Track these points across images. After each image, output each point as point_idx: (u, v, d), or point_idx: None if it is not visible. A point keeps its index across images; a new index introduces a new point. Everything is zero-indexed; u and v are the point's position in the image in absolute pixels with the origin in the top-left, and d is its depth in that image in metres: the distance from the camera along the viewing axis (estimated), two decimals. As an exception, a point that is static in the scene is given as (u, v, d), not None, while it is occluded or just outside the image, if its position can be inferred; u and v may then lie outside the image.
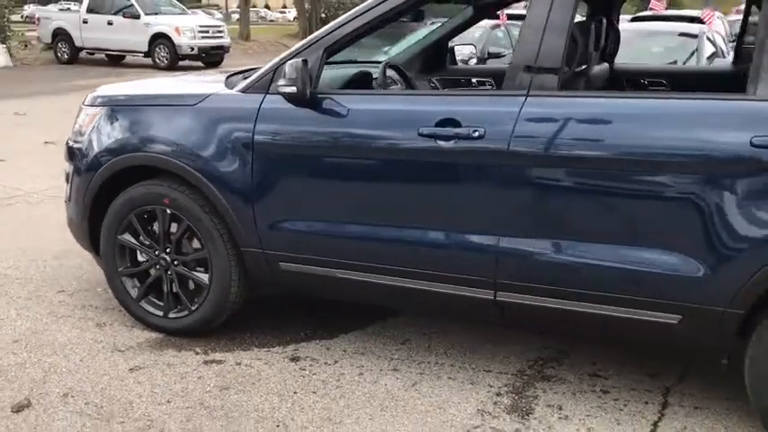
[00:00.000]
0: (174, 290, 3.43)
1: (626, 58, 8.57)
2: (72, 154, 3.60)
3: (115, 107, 3.47)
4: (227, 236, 3.23)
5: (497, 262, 2.77)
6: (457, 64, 4.52)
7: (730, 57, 7.91)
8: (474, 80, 4.20)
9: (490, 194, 2.74)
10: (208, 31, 18.68)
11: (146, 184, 3.35)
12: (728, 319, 2.52)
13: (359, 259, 3.01)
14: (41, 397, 2.93)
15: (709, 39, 9.12)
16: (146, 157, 3.30)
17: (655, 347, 3.26)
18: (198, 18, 21.12)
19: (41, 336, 3.47)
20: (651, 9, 13.33)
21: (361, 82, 3.54)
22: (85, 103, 3.64)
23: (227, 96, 3.21)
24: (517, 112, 2.66)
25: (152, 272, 3.47)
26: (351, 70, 3.68)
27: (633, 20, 12.66)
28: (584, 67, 3.21)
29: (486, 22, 10.11)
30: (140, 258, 3.50)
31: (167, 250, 3.39)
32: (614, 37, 3.93)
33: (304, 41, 3.08)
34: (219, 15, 42.05)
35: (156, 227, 3.40)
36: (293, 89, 2.87)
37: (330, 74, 3.46)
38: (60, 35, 19.47)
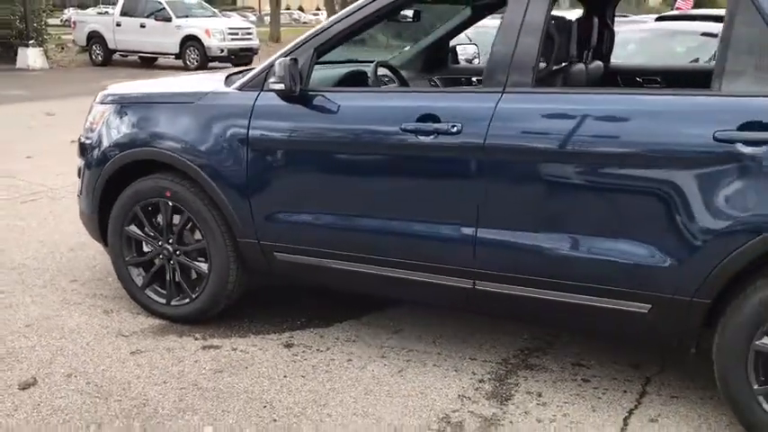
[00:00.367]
0: (177, 279, 3.59)
1: (647, 57, 8.56)
2: (83, 149, 3.80)
3: (122, 105, 3.65)
4: (224, 227, 3.38)
5: (475, 252, 2.88)
6: (459, 63, 4.63)
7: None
8: (474, 79, 4.30)
9: (468, 187, 2.84)
10: (237, 33, 19.00)
11: (150, 177, 3.52)
12: (695, 309, 2.60)
13: (348, 250, 3.14)
14: (47, 376, 3.11)
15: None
16: (148, 152, 3.47)
17: (639, 339, 3.32)
18: (227, 20, 21.49)
19: (52, 321, 3.66)
20: (677, 9, 13.23)
21: (355, 80, 3.67)
22: (96, 101, 3.83)
23: (224, 94, 3.37)
24: (493, 108, 2.77)
25: (156, 261, 3.64)
26: (346, 69, 3.81)
27: (658, 19, 12.58)
28: (563, 64, 3.30)
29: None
30: (145, 249, 3.67)
31: (170, 241, 3.56)
32: (609, 36, 4.00)
33: (296, 41, 3.22)
34: (253, 18, 42.56)
35: (159, 219, 3.57)
36: (282, 86, 3.02)
37: (327, 72, 3.60)
38: (95, 38, 19.98)
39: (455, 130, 2.81)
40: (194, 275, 3.58)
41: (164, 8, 19.00)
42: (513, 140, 2.74)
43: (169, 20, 18.77)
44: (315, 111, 3.12)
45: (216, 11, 21.47)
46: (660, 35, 9.29)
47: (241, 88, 3.32)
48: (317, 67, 3.28)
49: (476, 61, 4.91)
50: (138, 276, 3.70)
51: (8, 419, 2.79)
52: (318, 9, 66.57)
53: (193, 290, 3.57)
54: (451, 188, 2.89)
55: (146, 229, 3.61)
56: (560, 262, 2.75)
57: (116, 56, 20.24)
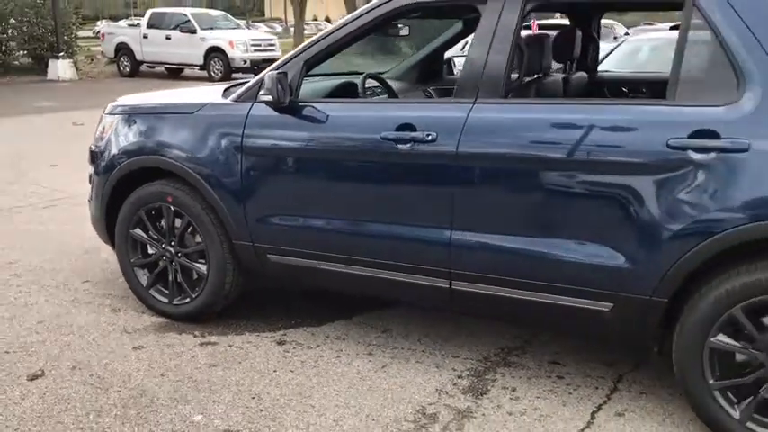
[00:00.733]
0: (178, 279, 3.81)
1: (657, 65, 8.64)
2: (93, 157, 4.04)
3: (128, 115, 3.88)
4: (221, 230, 3.59)
5: (450, 254, 3.05)
6: (454, 74, 4.80)
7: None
8: None
9: (442, 192, 3.02)
10: (260, 45, 19.37)
11: (153, 183, 3.75)
12: (654, 308, 2.74)
13: (334, 251, 3.33)
14: (54, 368, 3.34)
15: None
16: (151, 160, 3.69)
17: (604, 338, 3.44)
18: (250, 32, 21.90)
19: (63, 318, 3.90)
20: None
21: (346, 91, 3.87)
22: (105, 112, 4.07)
23: (221, 105, 3.59)
24: (465, 118, 2.94)
25: (159, 263, 3.86)
26: (338, 81, 4.01)
27: (672, 28, 12.64)
28: (536, 76, 3.46)
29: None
30: (150, 251, 3.90)
31: (172, 243, 3.78)
32: (593, 48, 4.15)
33: (287, 56, 3.43)
34: (279, 28, 43.12)
35: (162, 222, 3.79)
36: (270, 97, 3.23)
37: (320, 84, 3.81)
38: (123, 50, 20.51)
39: (430, 138, 2.99)
40: (195, 276, 3.79)
41: (189, 20, 19.46)
42: (483, 148, 2.91)
43: (194, 32, 19.21)
44: (303, 120, 3.32)
45: (239, 23, 21.90)
46: (669, 43, 9.37)
47: (236, 100, 3.53)
48: (314, 78, 3.48)
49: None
50: (143, 277, 3.92)
51: (15, 407, 3.02)
52: (345, 19, 67.02)
53: (194, 290, 3.78)
54: (428, 193, 3.07)
55: (150, 232, 3.83)
56: (527, 262, 2.91)
57: (143, 67, 20.74)
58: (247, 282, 3.78)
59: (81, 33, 27.29)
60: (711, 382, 2.70)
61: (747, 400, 2.65)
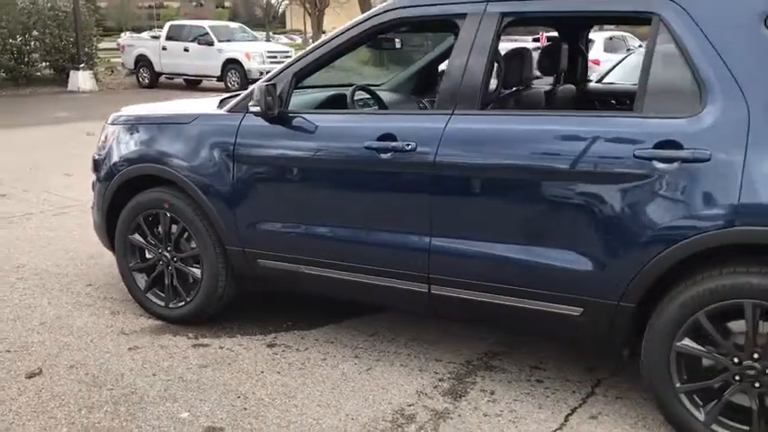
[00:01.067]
0: (174, 283, 3.94)
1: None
2: (96, 165, 4.20)
3: (128, 125, 4.04)
4: (214, 236, 3.72)
5: (429, 259, 3.16)
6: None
7: None
8: None
9: (422, 200, 3.13)
10: (276, 57, 19.60)
11: (151, 190, 3.90)
12: (622, 312, 2.82)
13: (319, 256, 3.44)
14: (51, 367, 3.48)
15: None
16: (148, 168, 3.84)
17: (577, 342, 3.50)
18: (267, 44, 22.18)
19: (64, 320, 4.05)
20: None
21: (336, 102, 4.00)
22: (108, 122, 4.23)
23: (214, 115, 3.73)
24: (443, 128, 3.05)
25: (157, 267, 4.00)
26: (330, 92, 4.14)
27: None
28: (514, 89, 3.56)
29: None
30: (147, 255, 4.04)
31: (168, 248, 3.92)
32: (582, 60, 4.25)
33: (277, 69, 3.57)
34: (299, 39, 43.51)
35: (159, 228, 3.93)
36: (258, 108, 3.36)
37: (311, 96, 3.94)
38: (142, 61, 20.86)
39: (409, 148, 3.10)
40: (191, 280, 3.92)
41: (207, 33, 19.79)
42: (459, 158, 3.02)
43: (211, 44, 19.52)
44: (291, 130, 3.45)
45: (257, 35, 22.19)
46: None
47: (229, 110, 3.67)
48: (307, 89, 3.60)
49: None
50: (141, 281, 4.06)
51: (12, 402, 3.16)
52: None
53: (189, 293, 3.91)
54: (408, 200, 3.18)
55: (147, 237, 3.98)
56: (501, 268, 3.00)
57: (162, 78, 21.06)
58: (239, 286, 3.90)
59: (104, 45, 27.86)
60: (678, 385, 2.77)
61: (712, 404, 2.72)
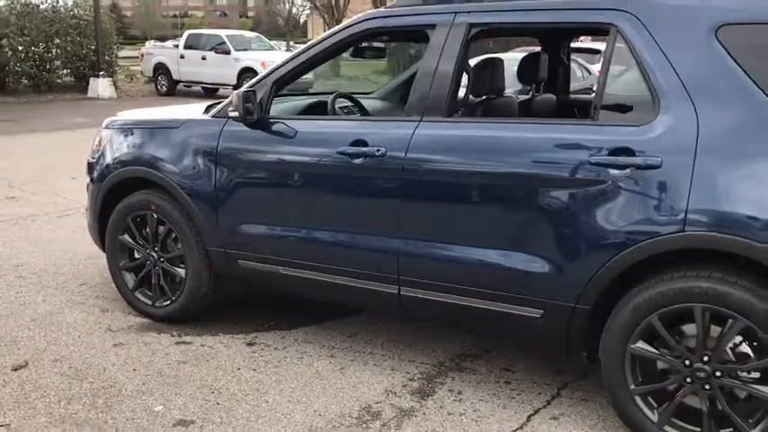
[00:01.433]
0: (161, 282, 4.07)
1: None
2: (90, 168, 4.35)
3: (120, 130, 4.18)
4: (198, 237, 3.85)
5: (399, 262, 3.25)
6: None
7: None
8: None
9: (391, 203, 3.23)
10: (291, 66, 19.80)
11: (139, 193, 4.03)
12: (579, 315, 2.89)
13: (294, 258, 3.55)
14: (37, 361, 3.62)
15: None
16: (137, 170, 3.98)
17: (539, 344, 3.52)
18: (283, 54, 22.39)
19: (55, 317, 4.19)
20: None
21: (318, 109, 4.11)
22: (102, 126, 4.38)
23: (199, 121, 3.86)
24: (411, 135, 3.15)
25: (144, 267, 4.13)
26: (313, 99, 4.26)
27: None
28: (484, 97, 3.65)
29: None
30: (136, 255, 4.17)
31: (155, 249, 4.05)
32: (563, 71, 4.33)
33: (258, 77, 3.69)
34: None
35: (147, 229, 4.06)
36: (236, 114, 3.49)
37: (292, 104, 4.07)
38: (160, 69, 21.18)
39: (380, 153, 3.21)
40: (177, 280, 4.05)
41: (224, 42, 20.07)
42: (426, 163, 3.12)
43: (228, 53, 19.78)
44: (270, 135, 3.57)
45: (273, 44, 22.41)
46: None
47: (214, 116, 3.80)
48: (296, 96, 3.71)
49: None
50: (129, 280, 4.20)
51: (-4, 393, 3.30)
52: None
53: (174, 293, 4.03)
54: (379, 204, 3.28)
55: (136, 238, 4.11)
56: (465, 270, 3.09)
57: (180, 86, 21.36)
58: (222, 286, 4.02)
59: (128, 53, 28.32)
60: (633, 387, 2.84)
61: (665, 405, 2.79)
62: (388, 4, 3.36)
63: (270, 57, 19.80)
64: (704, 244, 2.62)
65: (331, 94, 4.39)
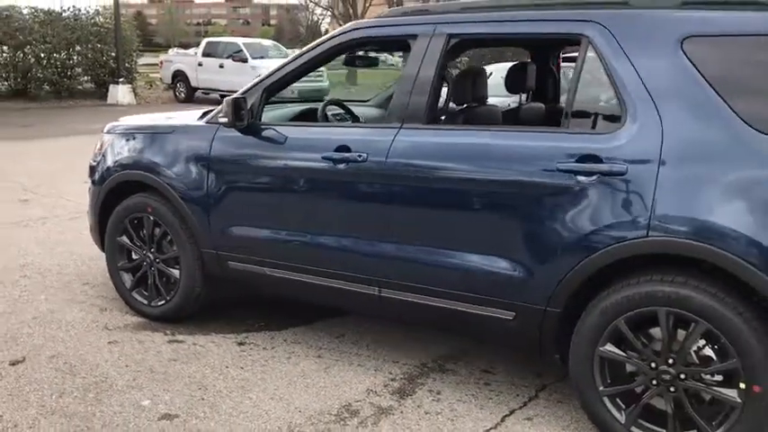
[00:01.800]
0: (156, 283, 4.20)
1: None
2: (91, 171, 4.50)
3: (120, 135, 4.33)
4: (191, 239, 3.97)
5: (378, 264, 3.35)
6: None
7: None
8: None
9: (372, 207, 3.33)
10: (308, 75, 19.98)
11: (136, 195, 4.17)
12: (550, 317, 2.97)
13: (280, 259, 3.66)
14: (34, 357, 3.76)
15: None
16: (134, 174, 4.12)
17: (512, 345, 3.57)
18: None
19: (55, 315, 4.33)
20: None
21: (309, 115, 4.23)
22: (104, 131, 4.53)
23: (194, 126, 3.99)
24: (391, 141, 3.26)
25: (141, 267, 4.26)
26: (305, 106, 4.38)
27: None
28: (465, 105, 3.74)
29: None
30: (134, 256, 4.31)
31: (152, 250, 4.18)
32: (552, 80, 4.41)
33: (249, 84, 3.82)
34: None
35: (143, 231, 4.19)
36: (225, 120, 3.61)
37: (284, 111, 4.19)
38: (179, 76, 21.47)
39: (361, 158, 3.31)
40: (172, 280, 4.17)
41: (241, 50, 20.32)
42: (405, 169, 3.22)
43: (245, 60, 20.01)
44: (259, 140, 3.69)
45: (289, 52, 22.59)
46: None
47: (208, 121, 3.93)
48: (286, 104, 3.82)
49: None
50: (127, 280, 4.33)
51: (-8, 385, 3.44)
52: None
53: (169, 293, 4.16)
54: (360, 207, 3.39)
55: (133, 239, 4.25)
56: (441, 273, 3.18)
57: (198, 93, 21.63)
58: (215, 287, 4.13)
59: (148, 60, 28.69)
60: (601, 388, 2.91)
61: (632, 407, 2.85)
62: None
63: (286, 65, 20.01)
64: (667, 249, 2.69)
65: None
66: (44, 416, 3.17)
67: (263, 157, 3.67)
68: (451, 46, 3.25)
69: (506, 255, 3.03)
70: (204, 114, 4.17)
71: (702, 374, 2.71)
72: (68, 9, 20.87)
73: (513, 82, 4.10)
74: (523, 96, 4.45)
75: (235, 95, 3.68)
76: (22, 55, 19.59)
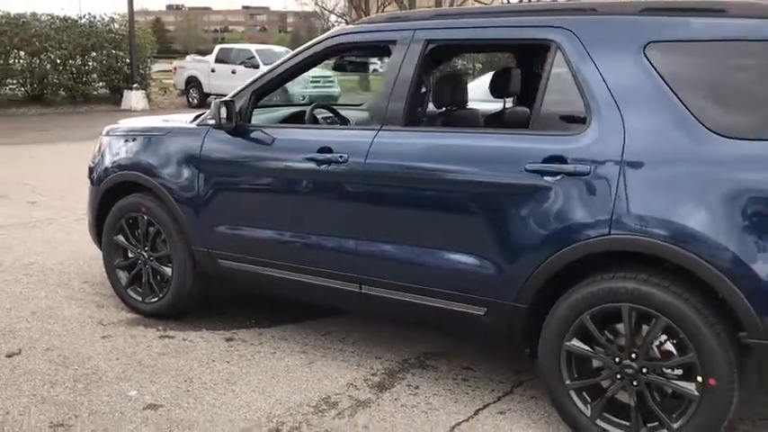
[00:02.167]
0: (150, 280, 4.34)
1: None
2: (90, 172, 4.65)
3: (117, 137, 4.48)
4: (183, 237, 4.10)
5: (359, 261, 3.46)
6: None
7: None
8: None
9: (353, 206, 3.45)
10: (319, 81, 20.18)
11: (131, 195, 4.31)
12: (518, 312, 3.07)
13: (266, 257, 3.78)
14: (30, 349, 3.90)
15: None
16: (129, 175, 4.26)
17: (484, 339, 3.71)
18: (311, 69, 22.78)
19: (53, 311, 4.48)
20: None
21: (297, 118, 4.36)
22: (103, 133, 4.68)
23: (185, 128, 4.13)
24: (370, 142, 3.37)
25: (136, 265, 4.40)
26: (294, 109, 4.51)
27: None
28: (444, 108, 3.84)
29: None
30: (129, 255, 4.45)
31: (146, 249, 4.32)
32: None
33: (239, 88, 3.95)
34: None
35: (138, 230, 4.33)
36: (213, 122, 3.75)
37: (274, 114, 4.32)
38: (192, 82, 21.78)
39: (342, 159, 3.43)
40: (165, 278, 4.31)
41: (253, 56, 20.59)
42: (383, 169, 3.33)
43: (257, 67, 20.19)
44: (247, 142, 3.82)
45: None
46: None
47: (199, 124, 4.07)
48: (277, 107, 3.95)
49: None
50: (123, 277, 4.47)
51: (-13, 376, 3.58)
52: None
53: (162, 290, 4.30)
54: (342, 206, 3.50)
55: (129, 238, 4.39)
56: (417, 269, 3.29)
57: (210, 99, 21.85)
58: (206, 285, 4.26)
59: (163, 66, 29.03)
60: (568, 382, 3.00)
61: (598, 400, 2.94)
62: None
63: (297, 71, 20.21)
64: (627, 246, 2.78)
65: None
66: (35, 404, 3.30)
67: (251, 157, 3.80)
68: (429, 51, 3.36)
69: (478, 252, 3.13)
70: (197, 117, 4.30)
71: (663, 368, 2.80)
72: (84, 16, 21.23)
73: (497, 87, 4.20)
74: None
75: (224, 98, 3.81)
76: (38, 61, 19.94)
